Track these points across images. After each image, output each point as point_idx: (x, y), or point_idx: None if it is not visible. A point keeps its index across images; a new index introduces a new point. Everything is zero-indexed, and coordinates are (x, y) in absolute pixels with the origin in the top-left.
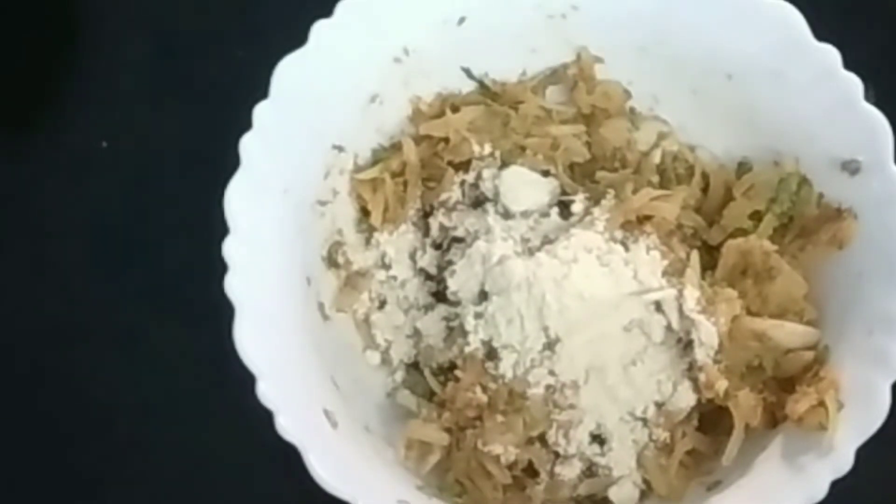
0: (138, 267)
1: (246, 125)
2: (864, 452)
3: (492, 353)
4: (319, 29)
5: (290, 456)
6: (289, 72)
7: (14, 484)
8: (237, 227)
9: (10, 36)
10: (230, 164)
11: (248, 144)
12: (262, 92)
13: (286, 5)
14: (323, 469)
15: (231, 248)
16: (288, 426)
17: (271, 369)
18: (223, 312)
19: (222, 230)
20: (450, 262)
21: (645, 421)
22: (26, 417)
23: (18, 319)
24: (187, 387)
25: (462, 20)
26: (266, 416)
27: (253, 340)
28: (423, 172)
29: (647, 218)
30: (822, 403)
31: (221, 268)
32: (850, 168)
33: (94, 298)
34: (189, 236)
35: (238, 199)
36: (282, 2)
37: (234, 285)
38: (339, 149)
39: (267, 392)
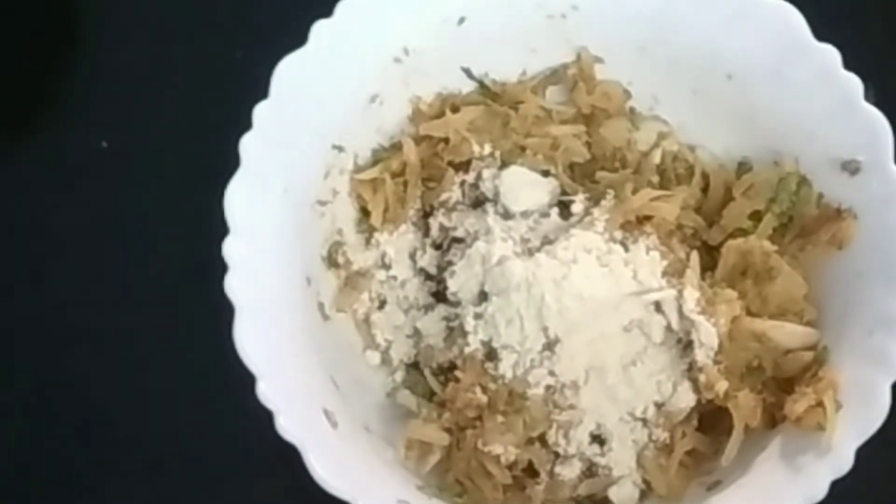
0: (138, 267)
1: (246, 125)
2: (864, 452)
3: (492, 354)
4: (319, 29)
5: (290, 456)
6: (289, 72)
7: (14, 483)
8: (237, 227)
9: (10, 36)
10: (230, 164)
11: (248, 144)
12: (262, 92)
13: (286, 5)
14: (323, 469)
15: (231, 248)
16: (288, 426)
17: (271, 369)
18: (223, 312)
19: (222, 230)
20: (450, 263)
21: (645, 421)
22: (26, 417)
23: (18, 320)
24: (187, 387)
25: (462, 20)
26: (266, 416)
27: (253, 340)
28: (423, 172)
29: (647, 218)
30: (820, 404)
31: (221, 268)
32: (850, 168)
33: (94, 298)
34: (189, 236)
35: (238, 198)
36: (282, 2)
37: (234, 285)
38: (339, 149)
39: (267, 392)
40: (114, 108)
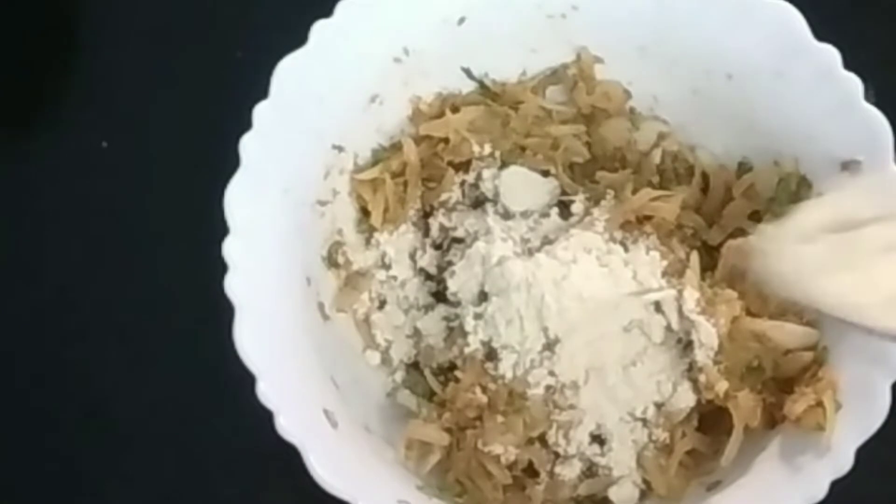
0: (138, 267)
1: (246, 125)
2: (863, 452)
3: (492, 354)
4: (319, 29)
5: (290, 456)
6: (289, 72)
7: (14, 483)
8: (237, 227)
9: (10, 36)
10: (230, 164)
11: (248, 144)
12: (262, 92)
13: (286, 5)
14: (323, 469)
15: (231, 249)
16: (288, 426)
17: (271, 369)
18: (223, 312)
19: (222, 230)
20: (450, 263)
21: (645, 421)
22: (26, 417)
23: (18, 320)
24: (187, 387)
25: (462, 20)
26: (266, 417)
27: (253, 340)
28: (423, 172)
29: (647, 218)
30: (819, 404)
31: (221, 268)
32: (851, 168)
33: (94, 298)
34: (189, 236)
35: (238, 199)
36: (282, 2)
37: (234, 285)
38: (339, 149)
39: (267, 392)
40: (114, 108)
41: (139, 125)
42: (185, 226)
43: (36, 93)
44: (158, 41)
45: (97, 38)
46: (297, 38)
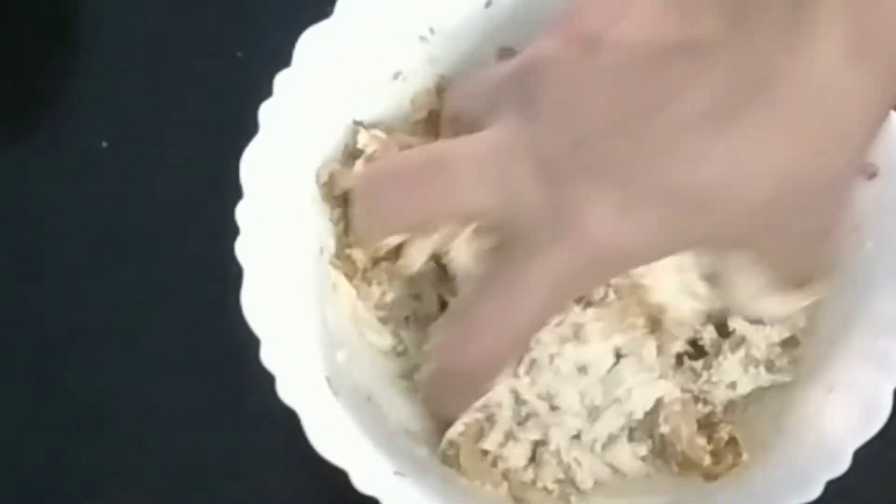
0: (138, 267)
1: (247, 126)
2: (863, 452)
3: None
4: (346, 1)
5: (291, 456)
6: (312, 42)
7: (13, 484)
8: (251, 191)
9: (10, 36)
10: (231, 164)
11: (267, 112)
12: (264, 92)
13: (286, 5)
14: (320, 436)
15: (244, 212)
16: (288, 391)
17: (275, 334)
18: (224, 313)
19: (223, 230)
20: None
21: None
22: (25, 417)
23: (18, 319)
24: (187, 387)
25: (489, 3)
26: (267, 418)
27: (259, 304)
28: None
29: None
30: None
31: (222, 269)
32: (868, 172)
33: (94, 298)
34: (189, 237)
35: (254, 164)
36: (282, 2)
37: (244, 249)
38: (359, 123)
39: (269, 356)
40: (114, 108)
41: (139, 125)
42: (186, 226)
43: (36, 93)
44: (158, 41)
45: (97, 37)
46: (297, 39)
